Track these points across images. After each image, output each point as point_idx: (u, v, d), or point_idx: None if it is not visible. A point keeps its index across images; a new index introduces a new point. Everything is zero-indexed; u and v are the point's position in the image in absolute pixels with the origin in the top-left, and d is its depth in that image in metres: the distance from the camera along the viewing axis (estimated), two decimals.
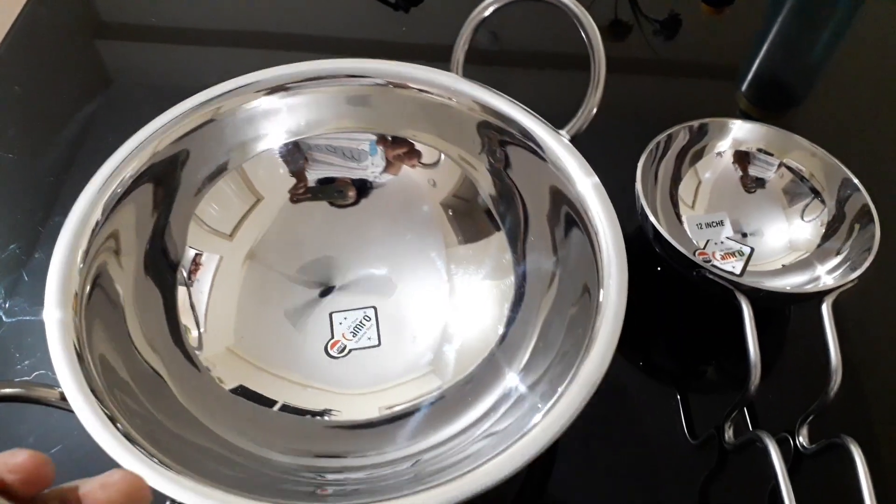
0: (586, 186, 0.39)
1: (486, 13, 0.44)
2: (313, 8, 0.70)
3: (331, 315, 0.44)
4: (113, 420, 0.30)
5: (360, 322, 0.44)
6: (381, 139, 0.46)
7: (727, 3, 0.73)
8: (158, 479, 0.29)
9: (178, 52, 0.66)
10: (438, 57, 0.45)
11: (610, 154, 0.47)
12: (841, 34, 0.70)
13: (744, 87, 0.66)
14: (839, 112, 0.65)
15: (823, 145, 0.50)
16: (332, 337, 0.43)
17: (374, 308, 0.44)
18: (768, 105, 0.65)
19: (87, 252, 0.36)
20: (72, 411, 0.30)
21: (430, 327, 0.44)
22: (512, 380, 0.39)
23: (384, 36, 0.68)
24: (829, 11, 0.71)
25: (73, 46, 0.66)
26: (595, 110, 0.43)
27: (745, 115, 0.62)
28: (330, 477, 0.37)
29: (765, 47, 0.68)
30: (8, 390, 0.30)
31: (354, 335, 0.43)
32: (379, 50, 0.67)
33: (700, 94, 0.66)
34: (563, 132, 0.42)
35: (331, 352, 0.43)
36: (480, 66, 0.64)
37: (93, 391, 0.31)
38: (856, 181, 0.47)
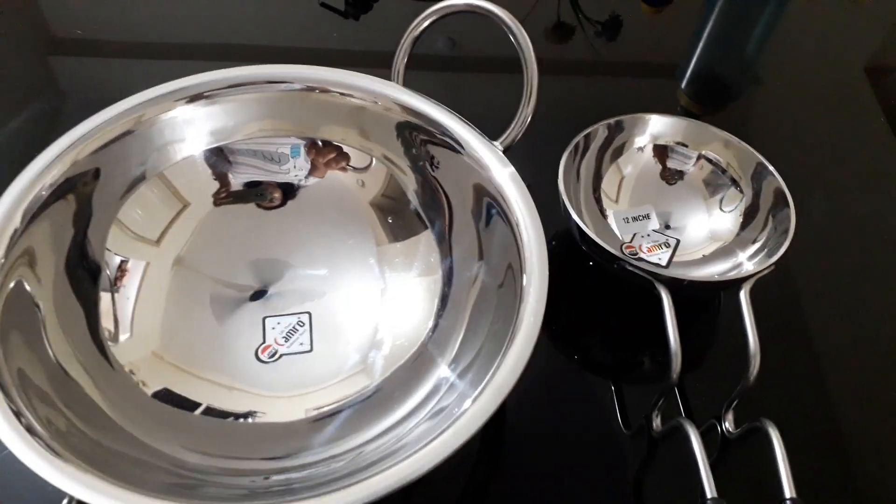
0: (504, 177, 0.40)
1: (423, 26, 0.44)
2: (264, 18, 0.70)
3: (264, 320, 0.44)
4: (32, 431, 0.30)
5: (294, 327, 0.44)
6: (311, 144, 0.46)
7: (666, 3, 0.75)
8: (80, 487, 0.29)
9: (117, 66, 0.66)
10: (388, 64, 0.46)
11: (544, 153, 0.48)
12: (771, 30, 0.72)
13: (684, 84, 0.67)
14: (768, 106, 0.66)
15: (751, 137, 0.51)
16: (264, 342, 0.43)
17: (309, 314, 0.45)
18: (708, 101, 0.66)
19: (2, 264, 0.35)
20: None
21: (363, 325, 0.44)
22: (443, 369, 0.40)
23: (334, 44, 0.68)
24: (759, 8, 0.73)
25: (7, 59, 0.65)
26: (529, 120, 0.44)
27: (686, 112, 0.63)
28: (273, 478, 0.37)
29: (701, 45, 0.70)
30: None
31: (287, 340, 0.44)
32: (328, 58, 0.67)
33: (642, 92, 0.67)
34: (496, 143, 0.43)
35: (261, 356, 0.43)
36: (436, 72, 0.66)
37: (10, 403, 0.31)
38: (770, 168, 0.48)
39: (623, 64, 0.70)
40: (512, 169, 0.40)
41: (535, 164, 0.43)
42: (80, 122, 0.41)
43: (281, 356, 0.43)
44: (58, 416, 0.33)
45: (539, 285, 0.36)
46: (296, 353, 0.43)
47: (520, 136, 0.43)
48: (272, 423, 0.40)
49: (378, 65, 0.46)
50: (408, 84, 0.46)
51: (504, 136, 0.43)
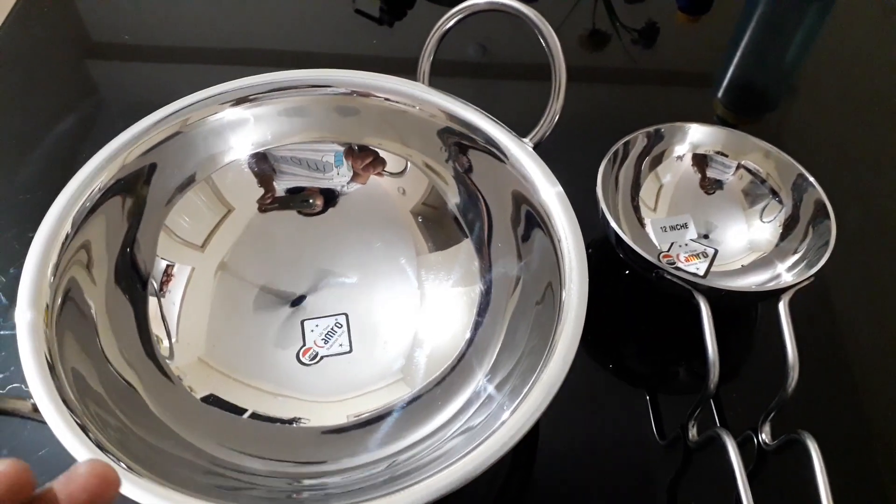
0: (550, 195, 0.40)
1: (450, 24, 0.45)
2: (299, 24, 0.71)
3: (302, 323, 0.45)
4: (84, 429, 0.31)
5: (332, 329, 0.45)
6: (348, 149, 0.47)
7: (703, 11, 0.75)
8: (129, 485, 0.29)
9: (158, 70, 0.67)
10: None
11: (582, 160, 0.48)
12: (810, 40, 0.72)
13: (720, 94, 0.67)
14: (807, 115, 0.66)
15: (790, 147, 0.51)
16: (304, 344, 0.44)
17: (346, 315, 0.45)
18: (744, 110, 0.66)
19: (57, 265, 0.36)
20: (44, 422, 0.31)
21: (401, 333, 0.45)
22: (481, 381, 0.40)
23: (369, 51, 0.69)
24: (797, 18, 0.73)
25: (49, 64, 0.67)
26: (557, 118, 0.44)
27: (722, 121, 0.63)
28: (305, 482, 0.37)
29: (738, 54, 0.70)
30: None
31: (326, 342, 0.44)
32: (363, 64, 0.68)
33: (678, 101, 0.67)
34: (526, 140, 0.43)
35: (302, 359, 0.44)
36: (467, 79, 0.66)
37: (64, 401, 0.31)
38: (811, 179, 0.48)
39: (659, 72, 0.70)
40: (559, 188, 0.40)
41: (572, 170, 0.43)
42: (129, 126, 0.42)
43: (322, 358, 0.44)
44: (108, 415, 0.34)
45: (578, 305, 0.35)
46: (336, 355, 0.44)
47: (547, 134, 0.43)
48: (314, 428, 0.41)
49: (411, 70, 0.46)
50: (437, 88, 0.46)
51: (533, 133, 0.43)
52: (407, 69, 0.47)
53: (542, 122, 0.43)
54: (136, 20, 0.70)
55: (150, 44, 0.69)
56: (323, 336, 0.44)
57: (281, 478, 0.37)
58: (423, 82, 0.46)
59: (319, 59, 0.69)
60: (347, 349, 0.44)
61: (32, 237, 0.38)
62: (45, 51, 0.68)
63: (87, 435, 0.30)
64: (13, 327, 0.46)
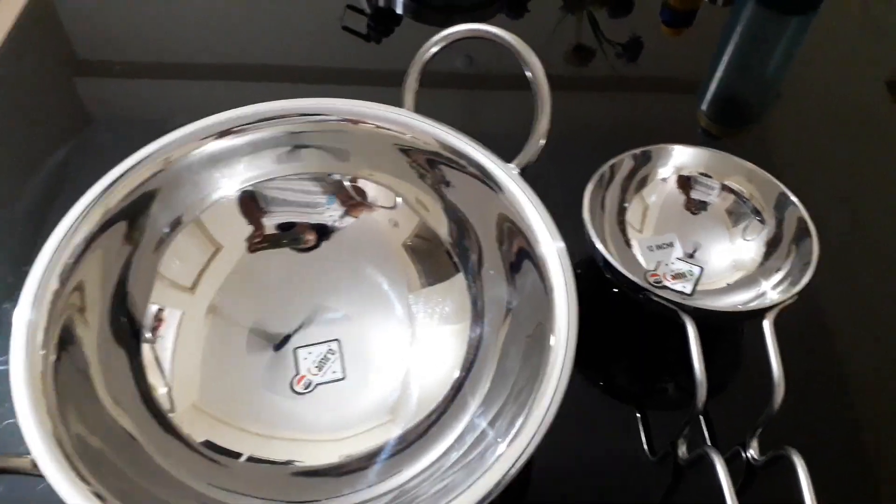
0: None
1: (433, 51, 0.45)
2: (286, 39, 0.72)
3: (296, 351, 0.45)
4: (85, 481, 0.31)
5: (325, 356, 0.45)
6: (338, 186, 0.47)
7: (686, 25, 0.76)
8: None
9: (152, 88, 0.67)
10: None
11: (569, 177, 0.49)
12: (791, 52, 0.73)
13: (704, 106, 0.68)
14: (789, 130, 0.67)
15: (772, 164, 0.52)
16: (298, 372, 0.45)
17: (338, 341, 0.46)
18: (727, 122, 0.67)
19: (47, 328, 0.36)
20: (44, 477, 0.31)
21: (393, 363, 0.45)
22: (474, 414, 0.40)
23: (356, 65, 0.70)
24: (778, 31, 0.74)
25: (47, 85, 0.67)
26: (543, 142, 0.44)
27: (706, 133, 0.64)
28: None
29: (721, 67, 0.71)
30: None
31: (320, 369, 0.45)
32: (349, 79, 0.69)
33: (663, 114, 0.68)
34: (512, 165, 0.43)
35: (296, 388, 0.44)
36: (454, 90, 0.66)
37: (64, 454, 0.31)
38: (793, 198, 0.49)
39: (644, 85, 0.70)
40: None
41: (558, 188, 0.43)
42: (114, 167, 0.42)
43: (316, 386, 0.44)
44: (106, 464, 0.34)
45: (567, 346, 0.35)
46: (330, 382, 0.44)
47: (534, 159, 0.43)
48: (308, 468, 0.41)
49: (397, 86, 0.47)
50: (425, 103, 0.46)
51: (519, 157, 0.43)
52: (394, 85, 0.47)
53: (527, 147, 0.44)
54: (124, 38, 0.71)
55: (139, 60, 0.69)
56: (317, 363, 0.45)
57: None
58: (409, 107, 0.46)
59: (307, 74, 0.70)
60: (341, 376, 0.44)
61: (28, 270, 0.38)
62: (43, 71, 0.68)
63: (88, 486, 0.31)
64: (6, 362, 0.47)
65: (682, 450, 0.44)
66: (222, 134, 0.44)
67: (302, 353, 0.45)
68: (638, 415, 0.47)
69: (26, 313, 0.36)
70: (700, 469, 0.44)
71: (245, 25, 0.73)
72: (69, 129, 0.62)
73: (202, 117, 0.44)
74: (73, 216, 0.39)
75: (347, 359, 0.45)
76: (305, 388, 0.44)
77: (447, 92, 0.60)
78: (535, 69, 0.43)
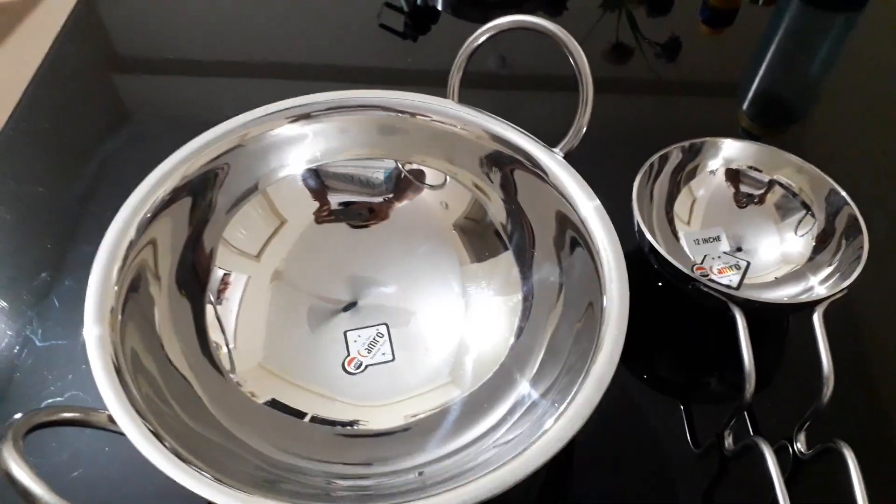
0: (588, 209, 0.41)
1: (479, 42, 0.46)
2: (324, 38, 0.73)
3: (345, 333, 0.46)
4: (159, 437, 0.32)
5: (374, 339, 0.46)
6: (394, 169, 0.49)
7: (726, 24, 0.76)
8: (212, 492, 0.31)
9: (195, 85, 0.69)
10: (444, 83, 0.48)
11: (612, 173, 0.49)
12: (836, 52, 0.73)
13: (745, 106, 0.68)
14: (834, 128, 0.67)
15: (819, 160, 0.52)
16: (349, 354, 0.46)
17: (386, 325, 0.47)
18: (769, 122, 0.67)
19: (121, 269, 0.38)
20: (122, 433, 0.32)
21: (443, 341, 0.46)
22: (524, 388, 0.41)
23: (392, 64, 0.71)
24: (823, 30, 0.74)
25: (97, 82, 0.69)
26: (585, 128, 0.45)
27: (747, 133, 0.64)
28: (347, 483, 0.39)
29: (763, 66, 0.71)
30: (68, 415, 0.32)
31: (369, 351, 0.46)
32: (387, 77, 0.70)
33: (703, 113, 0.68)
34: (556, 150, 0.44)
35: (348, 368, 0.45)
36: (488, 90, 0.67)
37: (137, 411, 0.33)
38: (843, 193, 0.49)
39: (683, 85, 0.71)
40: (597, 202, 0.41)
41: (602, 183, 0.44)
42: (190, 138, 0.44)
43: (366, 367, 0.45)
44: (174, 420, 0.36)
45: (619, 314, 0.37)
46: (379, 363, 0.45)
47: (576, 144, 0.45)
48: (375, 430, 0.42)
49: (435, 83, 0.48)
50: (463, 102, 0.47)
51: (562, 143, 0.45)
52: (430, 82, 0.48)
53: (571, 132, 0.45)
54: (166, 35, 0.72)
55: (190, 58, 0.71)
56: (366, 346, 0.46)
57: (338, 478, 0.38)
58: (454, 98, 0.47)
59: (345, 73, 0.71)
60: (390, 357, 0.45)
61: (85, 249, 0.40)
62: (93, 68, 0.70)
63: (163, 444, 0.32)
64: (70, 336, 0.48)
65: (729, 441, 0.44)
66: (295, 118, 0.46)
67: (352, 335, 0.46)
68: (682, 407, 0.47)
69: (104, 257, 0.38)
70: (745, 461, 0.44)
71: (283, 24, 0.74)
72: (111, 123, 0.64)
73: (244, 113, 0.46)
74: (154, 177, 0.42)
75: (396, 341, 0.46)
76: (357, 369, 0.45)
77: (482, 92, 0.60)
78: (578, 57, 0.44)
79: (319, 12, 0.76)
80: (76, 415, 0.33)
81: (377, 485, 0.38)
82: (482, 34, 0.45)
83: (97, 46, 0.72)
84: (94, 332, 0.35)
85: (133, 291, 0.38)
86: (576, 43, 0.43)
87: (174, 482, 0.31)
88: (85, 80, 0.69)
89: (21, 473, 0.29)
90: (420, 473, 0.38)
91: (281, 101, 0.46)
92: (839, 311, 0.45)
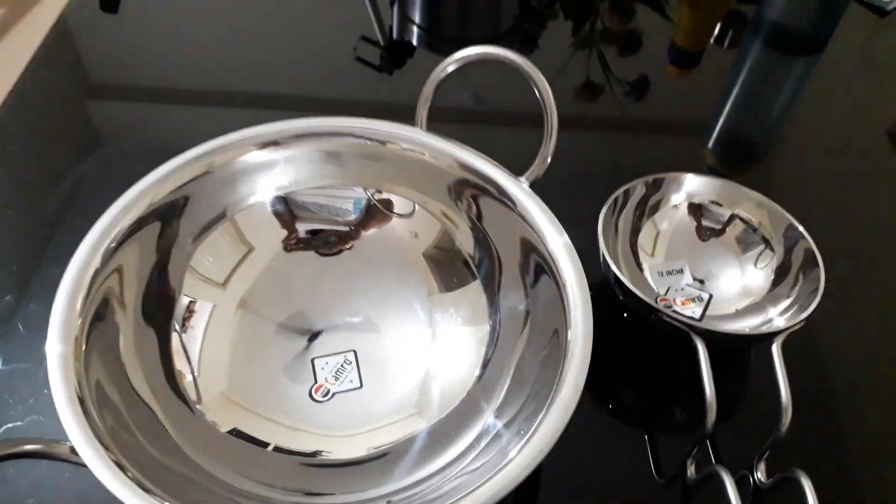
0: (557, 244, 0.42)
1: (446, 72, 0.47)
2: (300, 69, 0.74)
3: (313, 361, 0.46)
4: (122, 468, 0.32)
5: (342, 366, 0.46)
6: (363, 197, 0.49)
7: (693, 65, 0.78)
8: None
9: (167, 112, 0.69)
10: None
11: (578, 204, 0.50)
12: (796, 94, 0.75)
13: (710, 144, 0.69)
14: (794, 166, 0.69)
15: (778, 197, 0.53)
16: (315, 382, 0.45)
17: (354, 352, 0.47)
18: (733, 160, 0.69)
19: (86, 298, 0.38)
20: (84, 465, 0.32)
21: (411, 369, 0.46)
22: (490, 417, 0.42)
23: (367, 96, 0.72)
24: (784, 72, 0.76)
25: (68, 107, 0.69)
26: (550, 158, 0.46)
27: (712, 170, 0.66)
28: None
29: (727, 106, 0.73)
30: (30, 447, 0.32)
31: (336, 379, 0.46)
32: (362, 109, 0.70)
33: (669, 150, 0.69)
34: (521, 179, 0.45)
35: (315, 396, 0.45)
36: (461, 124, 0.68)
37: (100, 443, 0.32)
38: (801, 228, 0.51)
39: (651, 122, 0.72)
40: (566, 238, 0.42)
41: (569, 215, 0.45)
42: (156, 166, 0.44)
43: (333, 395, 0.45)
44: (123, 430, 0.36)
45: (583, 353, 0.37)
46: (347, 391, 0.45)
47: (541, 174, 0.46)
48: (338, 460, 0.42)
49: (409, 116, 0.49)
50: (432, 133, 0.48)
51: (528, 172, 0.46)
52: (405, 115, 0.49)
53: (536, 161, 0.46)
54: (141, 63, 0.72)
55: (156, 86, 0.71)
56: (333, 373, 0.46)
57: None
58: (421, 128, 0.48)
59: (321, 104, 0.71)
60: (358, 385, 0.45)
61: (52, 272, 0.40)
62: (65, 93, 0.70)
63: (126, 474, 0.31)
64: (32, 360, 0.48)
65: (691, 470, 0.45)
66: (263, 145, 0.46)
67: (319, 363, 0.46)
68: (646, 436, 0.47)
69: (68, 286, 0.38)
70: (707, 491, 0.44)
71: (259, 54, 0.75)
72: (83, 148, 0.64)
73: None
74: (120, 205, 0.42)
75: (364, 368, 0.46)
76: (324, 397, 0.45)
77: (454, 126, 0.62)
78: (543, 89, 0.45)
79: (296, 44, 0.77)
80: (38, 447, 0.32)
81: None
82: (450, 64, 0.46)
83: (70, 72, 0.72)
84: (56, 362, 0.35)
85: (98, 320, 0.38)
86: (539, 73, 0.45)
87: None
88: (57, 105, 0.69)
89: None
90: (388, 503, 0.38)
91: (249, 128, 0.46)
92: (798, 342, 0.46)
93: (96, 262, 0.39)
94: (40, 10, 0.81)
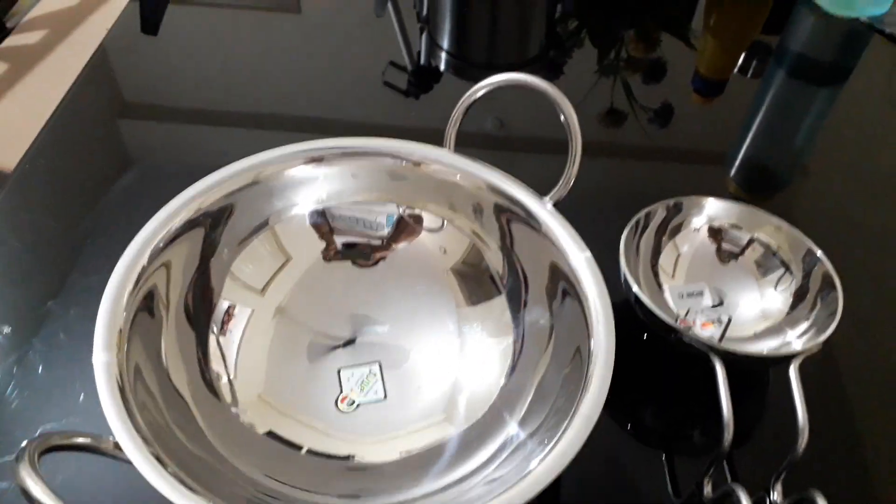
0: (579, 260, 0.43)
1: (475, 96, 0.49)
2: (328, 93, 0.76)
3: (339, 371, 0.48)
4: (163, 464, 0.33)
5: (366, 378, 0.48)
6: (396, 213, 0.52)
7: (716, 94, 0.79)
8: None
9: (199, 133, 0.71)
10: (442, 139, 0.51)
11: (600, 228, 0.51)
12: (819, 123, 0.76)
13: (732, 172, 0.70)
14: (815, 193, 0.69)
15: (798, 223, 0.54)
16: (341, 392, 0.47)
17: (379, 363, 0.48)
18: (755, 188, 0.70)
19: (132, 293, 0.40)
20: (128, 461, 0.33)
21: (435, 380, 0.48)
22: (513, 428, 0.43)
23: (394, 120, 0.73)
24: (807, 102, 0.77)
25: (108, 125, 0.71)
26: (573, 179, 0.48)
27: (734, 199, 0.66)
28: None
29: (750, 135, 0.74)
30: (80, 440, 0.34)
31: (361, 390, 0.47)
32: (388, 133, 0.72)
33: (691, 178, 0.70)
34: (546, 199, 0.47)
35: (340, 406, 0.46)
36: (483, 149, 0.70)
37: (143, 439, 0.34)
38: (819, 253, 0.51)
39: (674, 150, 0.73)
40: (588, 253, 0.44)
41: (590, 238, 0.46)
42: (207, 175, 0.47)
43: (358, 406, 0.46)
44: (161, 423, 0.37)
45: (605, 366, 0.38)
46: (372, 402, 0.47)
47: (564, 195, 0.47)
48: (369, 464, 0.44)
49: (434, 140, 0.51)
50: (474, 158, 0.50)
51: (552, 192, 0.48)
52: (429, 139, 0.51)
53: (560, 183, 0.48)
54: (175, 84, 0.75)
55: (189, 107, 0.73)
56: (358, 384, 0.47)
57: None
58: (450, 149, 0.50)
59: (348, 127, 0.73)
60: (382, 396, 0.47)
61: (92, 279, 0.42)
62: (104, 112, 0.73)
63: (166, 469, 0.33)
64: (72, 364, 0.50)
65: (707, 489, 0.45)
66: (309, 160, 0.49)
67: (345, 373, 0.48)
68: (664, 455, 0.48)
69: (117, 279, 0.40)
70: None
71: (289, 77, 0.77)
72: (119, 165, 0.66)
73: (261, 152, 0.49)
74: (171, 208, 0.44)
75: (389, 379, 0.48)
76: (349, 406, 0.46)
77: (477, 151, 0.64)
78: (569, 114, 0.47)
79: (325, 68, 0.79)
80: (87, 440, 0.34)
81: None
82: (479, 89, 0.48)
83: (110, 91, 0.75)
84: (101, 359, 0.36)
85: (142, 313, 0.40)
86: (566, 99, 0.46)
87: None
88: (98, 122, 0.72)
89: (37, 490, 0.30)
90: None
91: (297, 144, 0.49)
92: (816, 365, 0.47)
93: (144, 260, 0.41)
94: (85, 28, 0.85)
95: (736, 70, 0.81)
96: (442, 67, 0.80)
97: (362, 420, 0.46)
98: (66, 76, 0.74)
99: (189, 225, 0.45)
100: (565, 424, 0.37)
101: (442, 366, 0.48)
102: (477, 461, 0.41)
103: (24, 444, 0.32)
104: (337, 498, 0.41)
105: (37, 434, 0.46)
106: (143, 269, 0.41)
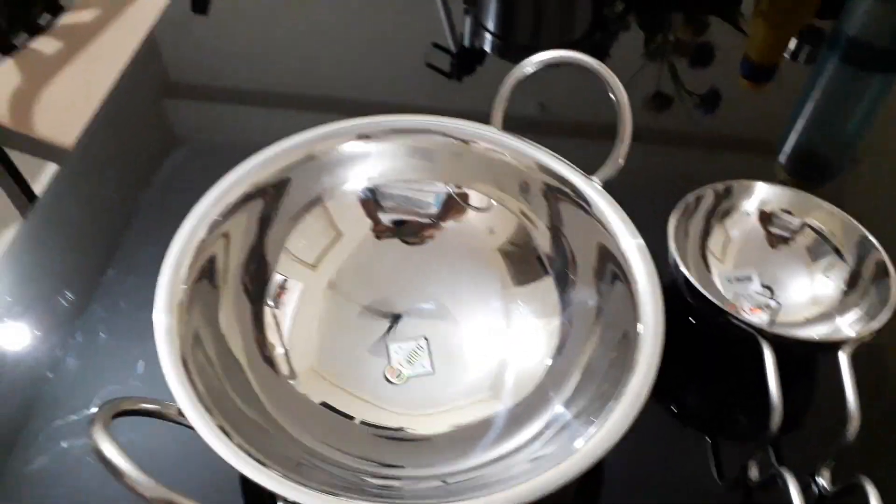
0: (631, 246, 0.43)
1: (525, 72, 0.49)
2: (372, 74, 0.76)
3: (387, 344, 0.49)
4: (225, 431, 0.35)
5: (414, 351, 0.48)
6: (445, 192, 0.52)
7: (766, 79, 0.78)
8: (276, 485, 0.33)
9: (246, 112, 0.72)
10: (486, 122, 0.51)
11: (648, 211, 0.51)
12: (873, 110, 0.74)
13: (782, 159, 0.69)
14: (868, 181, 0.68)
15: (851, 209, 0.53)
16: (390, 364, 0.48)
17: (426, 338, 0.49)
18: (805, 175, 0.68)
19: (192, 262, 0.41)
20: (190, 427, 0.35)
21: (482, 357, 0.48)
22: (558, 408, 0.43)
23: (437, 102, 0.74)
24: (860, 89, 0.76)
25: (161, 103, 0.73)
26: (622, 160, 0.48)
27: (784, 185, 0.66)
28: (381, 482, 0.41)
29: (801, 121, 0.72)
30: (148, 406, 0.35)
31: (410, 363, 0.48)
32: (432, 114, 0.73)
33: (740, 164, 0.69)
34: (594, 178, 0.47)
35: (389, 377, 0.47)
36: (526, 134, 0.70)
37: (204, 406, 0.35)
38: (873, 239, 0.51)
39: (721, 136, 0.72)
40: (641, 240, 0.44)
41: (637, 221, 0.46)
42: (264, 148, 0.48)
43: (407, 378, 0.47)
44: (216, 383, 0.39)
45: (652, 349, 0.39)
46: (420, 376, 0.48)
47: (613, 174, 0.48)
48: (419, 436, 0.45)
49: (479, 121, 0.51)
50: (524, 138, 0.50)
51: (599, 172, 0.48)
52: (473, 120, 0.51)
53: (608, 162, 0.48)
54: (222, 64, 0.76)
55: (235, 87, 0.74)
56: (407, 357, 0.48)
57: (377, 478, 0.40)
58: (497, 126, 0.50)
59: (391, 109, 0.72)
60: (430, 370, 0.48)
61: (151, 250, 0.43)
62: (153, 93, 0.74)
63: (227, 435, 0.34)
64: (133, 330, 0.51)
65: (754, 472, 0.45)
66: (360, 136, 0.50)
67: (393, 346, 0.49)
68: (708, 439, 0.48)
69: (177, 250, 0.41)
70: (769, 496, 0.45)
71: (333, 59, 0.78)
72: (169, 143, 0.68)
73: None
74: (228, 181, 0.45)
75: (436, 354, 0.49)
76: (397, 379, 0.47)
77: (521, 135, 0.64)
78: (619, 92, 0.47)
79: (369, 50, 0.79)
80: (154, 406, 0.36)
81: (405, 486, 0.40)
82: (528, 65, 0.49)
83: (161, 71, 0.77)
84: (162, 322, 0.38)
85: (201, 282, 0.42)
86: (615, 77, 0.47)
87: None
88: (150, 101, 0.73)
89: (112, 451, 0.31)
90: (444, 482, 0.40)
91: (348, 120, 0.49)
92: (868, 352, 0.46)
93: (202, 231, 0.43)
94: (138, 6, 0.86)
95: (787, 55, 0.80)
96: (487, 48, 0.80)
97: (411, 394, 0.47)
98: (120, 55, 0.76)
99: (246, 198, 0.46)
100: (611, 405, 0.37)
101: (488, 344, 0.49)
102: (522, 438, 0.42)
103: (95, 408, 0.33)
104: (385, 467, 0.41)
105: (97, 398, 0.48)
106: (202, 240, 0.42)
